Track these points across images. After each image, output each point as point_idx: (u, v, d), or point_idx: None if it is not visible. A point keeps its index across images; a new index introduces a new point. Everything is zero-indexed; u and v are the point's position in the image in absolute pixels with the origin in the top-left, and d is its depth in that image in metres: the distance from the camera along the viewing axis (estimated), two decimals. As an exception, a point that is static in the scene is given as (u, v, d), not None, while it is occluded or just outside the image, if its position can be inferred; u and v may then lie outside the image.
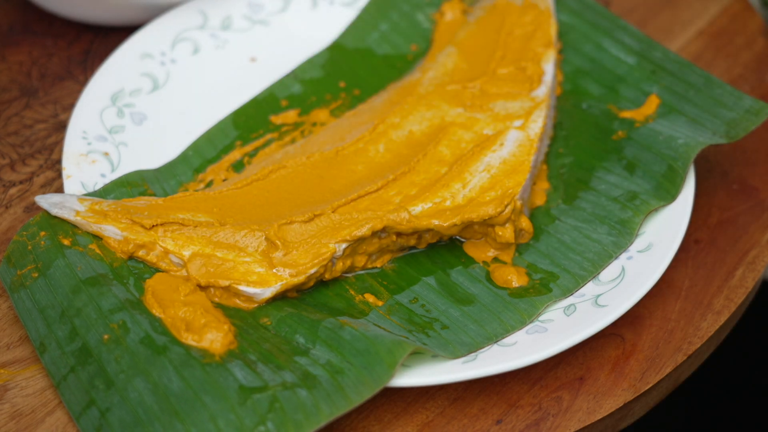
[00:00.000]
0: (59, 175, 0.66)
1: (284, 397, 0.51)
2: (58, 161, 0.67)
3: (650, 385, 0.57)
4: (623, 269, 0.59)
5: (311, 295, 0.58)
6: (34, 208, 0.64)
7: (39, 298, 0.56)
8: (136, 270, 0.57)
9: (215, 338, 0.53)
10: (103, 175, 0.63)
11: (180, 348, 0.53)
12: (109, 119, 0.67)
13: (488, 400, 0.56)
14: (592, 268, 0.59)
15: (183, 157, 0.66)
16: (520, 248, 0.61)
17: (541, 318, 0.57)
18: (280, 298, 0.57)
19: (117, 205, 0.59)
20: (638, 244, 0.60)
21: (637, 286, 0.57)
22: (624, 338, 0.59)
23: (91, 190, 0.62)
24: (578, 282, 0.59)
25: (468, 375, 0.53)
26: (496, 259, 0.60)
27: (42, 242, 0.57)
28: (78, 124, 0.65)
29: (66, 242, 0.57)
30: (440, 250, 0.61)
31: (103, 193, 0.62)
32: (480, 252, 0.61)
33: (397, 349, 0.53)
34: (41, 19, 0.76)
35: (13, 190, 0.65)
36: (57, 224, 0.58)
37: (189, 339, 0.53)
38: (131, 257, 0.58)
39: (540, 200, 0.63)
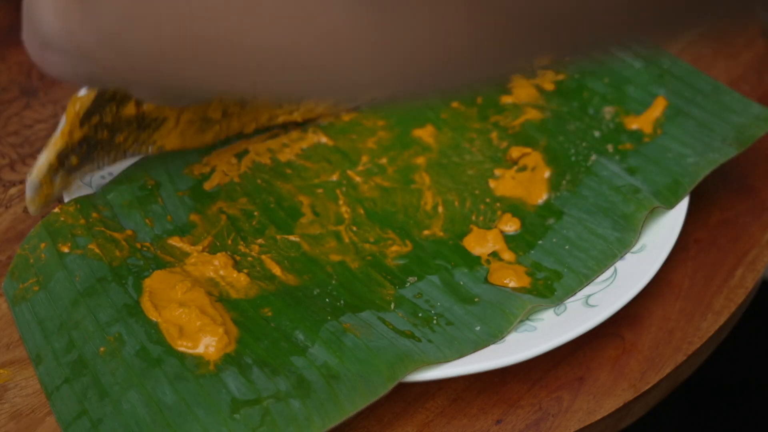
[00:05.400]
0: (59, 175, 0.66)
1: (276, 410, 0.50)
2: (58, 161, 0.67)
3: (650, 385, 0.57)
4: (615, 270, 0.59)
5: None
6: (34, 208, 0.64)
7: (39, 310, 0.55)
8: (135, 268, 0.57)
9: (210, 343, 0.53)
10: (102, 177, 0.63)
11: (174, 359, 0.52)
12: (109, 119, 0.66)
13: (488, 400, 0.56)
14: (596, 267, 0.59)
15: None
16: (523, 246, 0.61)
17: (531, 318, 0.57)
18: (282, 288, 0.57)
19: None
20: (631, 245, 0.60)
21: (628, 287, 0.57)
22: (624, 338, 0.59)
23: (90, 190, 0.62)
24: (582, 281, 0.58)
25: (458, 371, 0.53)
26: (495, 254, 0.60)
27: (42, 255, 0.57)
28: (78, 124, 0.65)
29: (65, 249, 0.57)
30: (443, 250, 0.61)
31: (103, 192, 0.61)
32: (480, 246, 0.60)
33: (398, 365, 0.52)
34: (41, 19, 0.76)
35: (13, 190, 0.65)
36: (55, 231, 0.58)
37: (183, 346, 0.53)
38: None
39: (543, 191, 0.63)
